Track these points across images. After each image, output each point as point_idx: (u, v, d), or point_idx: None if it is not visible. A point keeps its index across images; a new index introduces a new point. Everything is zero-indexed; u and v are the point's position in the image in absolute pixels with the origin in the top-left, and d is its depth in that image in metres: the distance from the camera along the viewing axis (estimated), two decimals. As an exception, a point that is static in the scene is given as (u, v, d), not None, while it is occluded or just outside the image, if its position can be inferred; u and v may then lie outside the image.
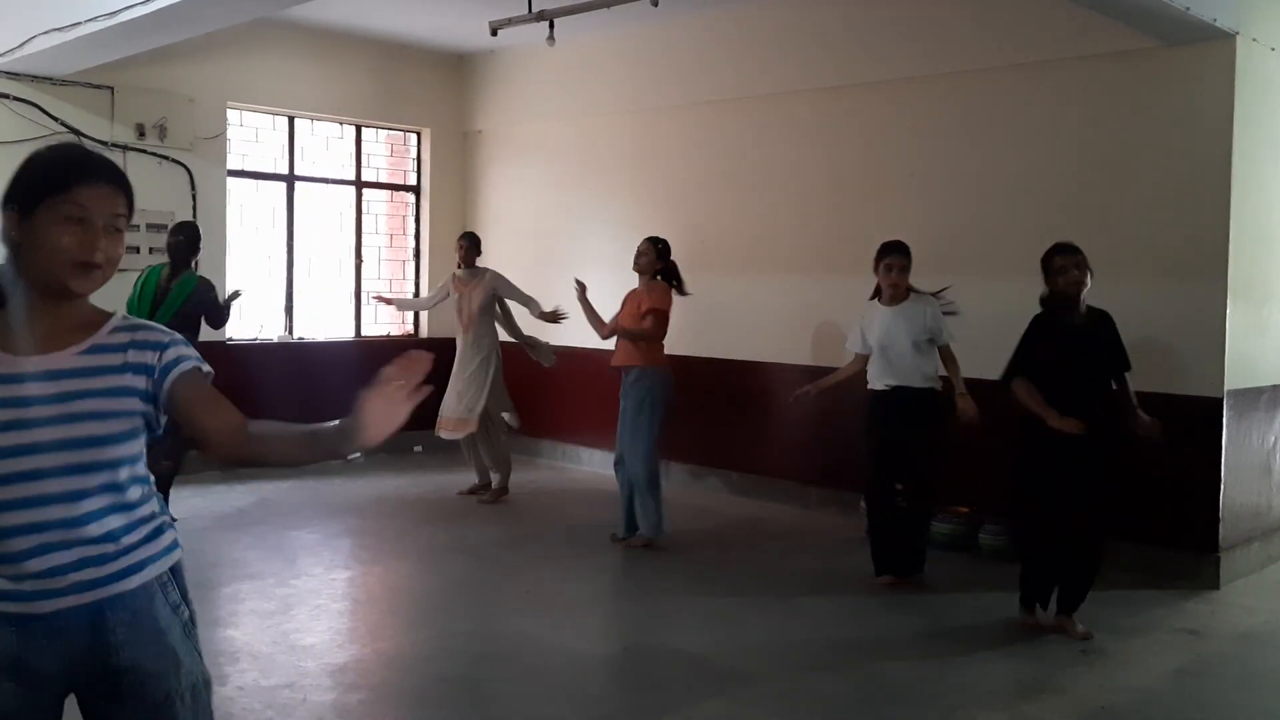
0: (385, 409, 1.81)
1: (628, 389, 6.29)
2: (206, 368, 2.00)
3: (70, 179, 1.87)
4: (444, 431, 7.34)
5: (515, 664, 4.46)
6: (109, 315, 1.98)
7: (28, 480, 1.82)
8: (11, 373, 1.85)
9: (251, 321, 8.72)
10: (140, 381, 1.92)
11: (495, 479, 7.53)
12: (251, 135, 8.81)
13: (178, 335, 2.01)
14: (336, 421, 1.86)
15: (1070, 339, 4.76)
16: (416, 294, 9.65)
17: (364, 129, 9.48)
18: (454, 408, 7.29)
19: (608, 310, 6.50)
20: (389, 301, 8.35)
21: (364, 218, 9.52)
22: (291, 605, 5.15)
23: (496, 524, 6.89)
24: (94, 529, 1.87)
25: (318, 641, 4.67)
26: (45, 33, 6.44)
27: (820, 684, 4.30)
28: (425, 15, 8.37)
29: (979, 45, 6.57)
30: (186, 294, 6.35)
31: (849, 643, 4.79)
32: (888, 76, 6.99)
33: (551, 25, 7.00)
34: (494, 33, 7.41)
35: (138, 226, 7.86)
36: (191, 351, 1.98)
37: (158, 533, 1.99)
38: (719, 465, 7.88)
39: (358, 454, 1.95)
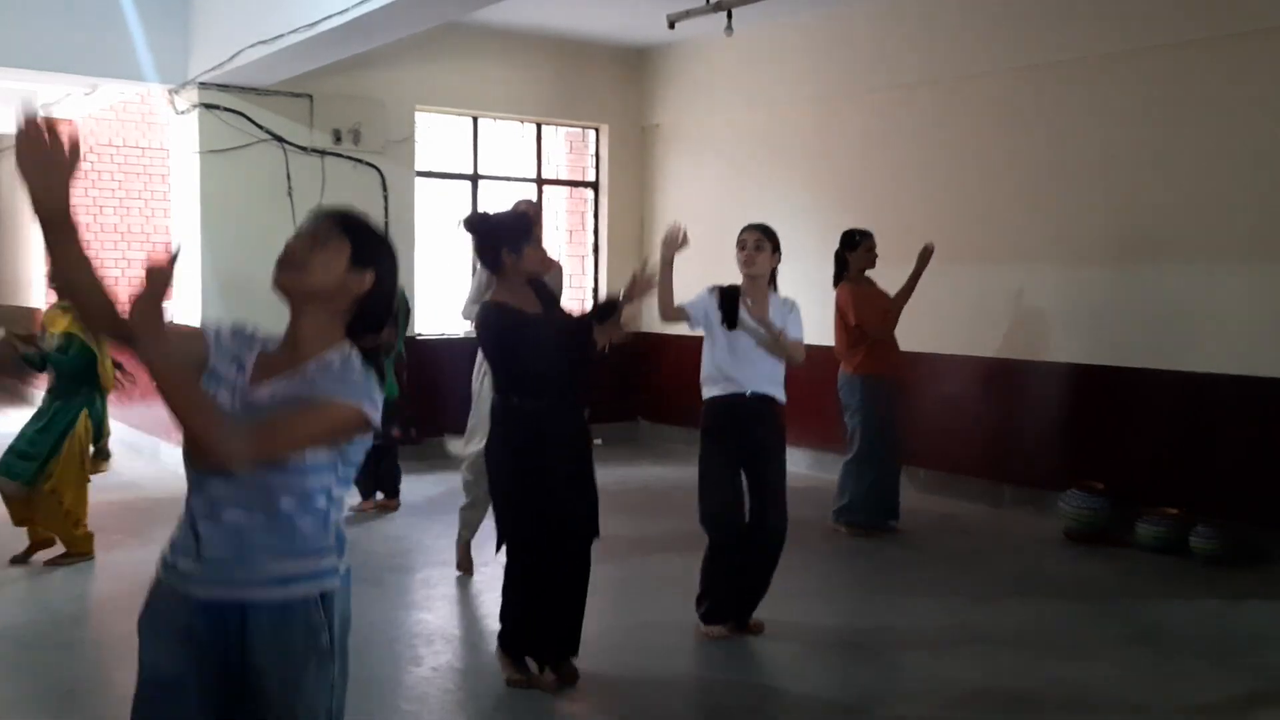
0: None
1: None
2: (354, 402, 2.03)
3: None
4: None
5: (694, 654, 4.44)
6: (339, 349, 2.11)
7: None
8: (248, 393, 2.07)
9: (439, 318, 9.02)
10: None
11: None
12: (438, 137, 9.12)
13: (369, 386, 2.06)
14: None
15: None
16: (595, 289, 9.77)
17: (544, 127, 9.66)
18: None
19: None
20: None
21: (544, 214, 9.70)
22: (481, 592, 5.28)
23: (682, 517, 6.88)
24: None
25: (506, 628, 4.78)
26: (252, 45, 6.81)
27: (1009, 688, 4.10)
28: (603, 11, 8.45)
29: (1182, 17, 6.13)
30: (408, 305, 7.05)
31: (1049, 648, 4.54)
32: (1087, 54, 6.61)
33: (729, 15, 6.95)
34: (671, 26, 7.40)
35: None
36: (337, 392, 2.03)
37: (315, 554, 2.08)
38: (905, 462, 7.63)
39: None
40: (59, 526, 5.53)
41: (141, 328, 1.86)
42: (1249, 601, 5.15)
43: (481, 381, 5.42)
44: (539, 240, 3.91)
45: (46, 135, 1.86)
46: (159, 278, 1.86)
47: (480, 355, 5.44)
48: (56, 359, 5.45)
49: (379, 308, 2.16)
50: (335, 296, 2.09)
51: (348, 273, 2.08)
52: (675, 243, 4.43)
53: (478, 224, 4.01)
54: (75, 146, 1.89)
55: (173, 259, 1.90)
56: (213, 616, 2.01)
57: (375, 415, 2.05)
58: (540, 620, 3.98)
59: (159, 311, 1.88)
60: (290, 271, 2.07)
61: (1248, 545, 5.75)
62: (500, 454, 3.92)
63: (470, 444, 5.42)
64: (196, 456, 2.00)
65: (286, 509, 2.01)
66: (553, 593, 3.94)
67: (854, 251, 6.40)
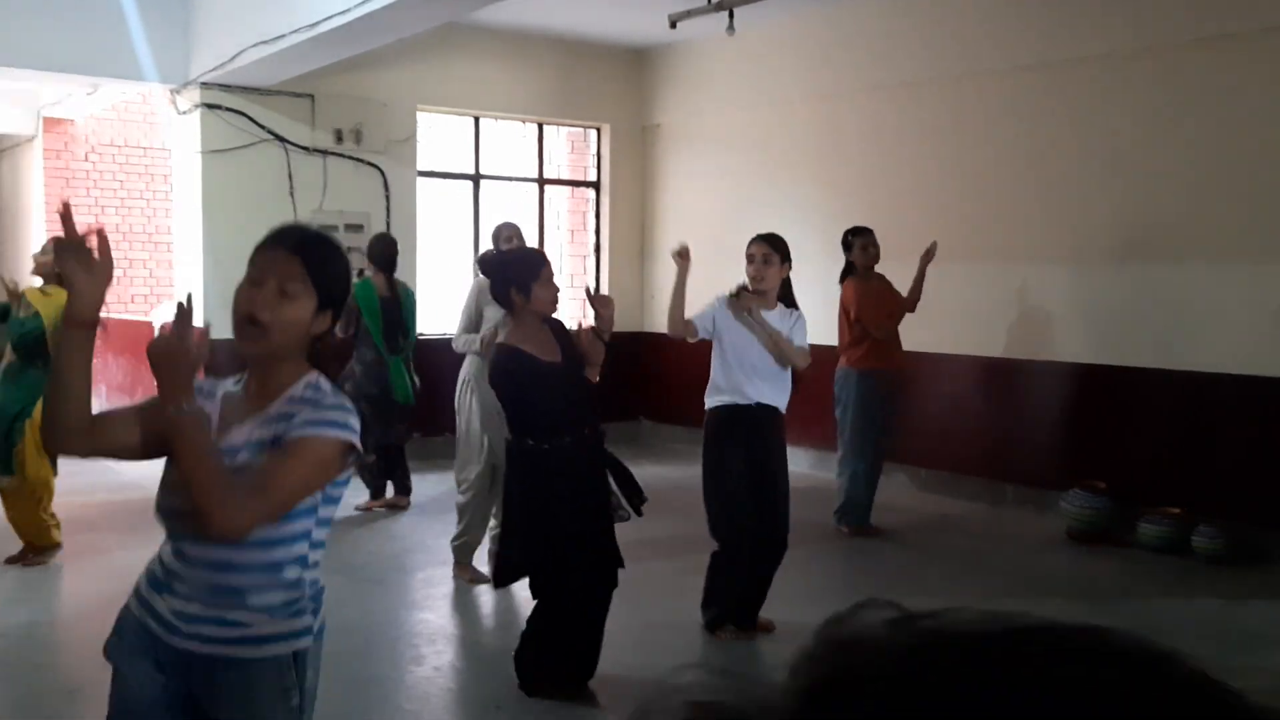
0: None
1: None
2: (334, 434, 1.94)
3: (256, 248, 2.01)
4: None
5: (697, 654, 4.44)
6: (304, 379, 2.01)
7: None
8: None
9: (439, 318, 9.02)
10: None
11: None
12: (439, 136, 9.12)
13: (343, 414, 1.97)
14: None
15: None
16: (597, 289, 9.76)
17: (545, 126, 9.66)
18: None
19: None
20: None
21: (546, 214, 9.71)
22: (483, 591, 5.27)
23: (683, 517, 6.88)
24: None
25: (507, 625, 4.78)
26: (253, 45, 6.82)
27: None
28: (605, 11, 8.45)
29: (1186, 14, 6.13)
30: (414, 301, 6.88)
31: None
32: (1091, 52, 6.60)
33: (731, 15, 6.95)
34: (673, 25, 7.41)
35: (336, 227, 8.24)
36: (327, 421, 1.95)
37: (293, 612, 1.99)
38: (906, 461, 7.63)
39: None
40: (31, 516, 5.44)
41: (175, 398, 1.83)
42: (1251, 601, 5.15)
43: (465, 406, 5.36)
44: (548, 279, 3.89)
45: (88, 239, 1.86)
46: (177, 346, 1.83)
47: (461, 383, 5.37)
48: (15, 325, 5.37)
49: (333, 329, 2.08)
50: (300, 346, 2.00)
51: (313, 319, 1.97)
52: (687, 260, 4.53)
53: (489, 263, 4.23)
54: (106, 250, 1.88)
55: (185, 314, 1.85)
56: (181, 661, 1.96)
57: (355, 438, 1.96)
58: (554, 653, 3.93)
59: (189, 382, 1.85)
60: (254, 339, 1.94)
61: (1249, 545, 5.74)
62: (512, 493, 3.90)
63: (464, 470, 5.38)
64: (192, 524, 1.87)
65: (267, 549, 1.93)
66: (565, 619, 3.90)
67: (850, 252, 6.41)
